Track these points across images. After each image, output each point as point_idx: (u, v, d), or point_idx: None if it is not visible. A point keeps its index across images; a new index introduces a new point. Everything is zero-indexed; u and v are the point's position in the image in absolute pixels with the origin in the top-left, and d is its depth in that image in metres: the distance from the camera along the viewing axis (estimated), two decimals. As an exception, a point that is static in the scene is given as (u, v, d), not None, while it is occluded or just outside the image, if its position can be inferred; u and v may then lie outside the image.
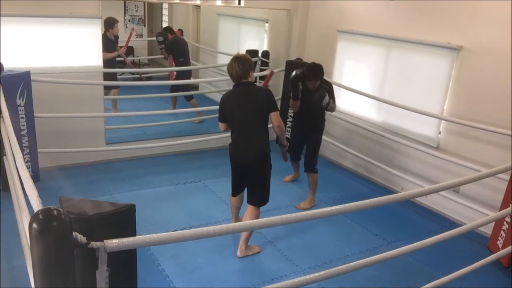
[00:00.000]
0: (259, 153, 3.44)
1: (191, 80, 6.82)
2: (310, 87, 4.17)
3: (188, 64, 7.04)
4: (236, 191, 3.70)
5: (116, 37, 6.56)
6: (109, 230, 1.66)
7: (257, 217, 3.51)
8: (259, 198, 3.54)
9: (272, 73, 4.43)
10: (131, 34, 7.04)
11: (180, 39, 7.00)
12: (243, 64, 3.33)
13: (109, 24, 6.24)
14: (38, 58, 4.50)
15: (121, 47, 6.74)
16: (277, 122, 3.40)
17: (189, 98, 6.77)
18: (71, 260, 1.45)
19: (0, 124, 3.61)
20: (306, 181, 4.68)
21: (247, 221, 2.11)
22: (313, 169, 4.47)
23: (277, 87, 6.03)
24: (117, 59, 6.97)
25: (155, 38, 9.68)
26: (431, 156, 4.55)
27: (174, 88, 6.90)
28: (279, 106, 5.92)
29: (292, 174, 5.07)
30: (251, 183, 3.55)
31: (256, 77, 5.87)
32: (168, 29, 6.96)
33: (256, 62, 6.51)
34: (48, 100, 4.51)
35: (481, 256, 3.13)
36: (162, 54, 7.12)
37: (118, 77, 8.50)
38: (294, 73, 4.26)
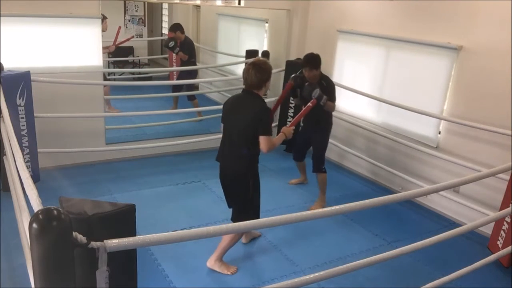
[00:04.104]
0: (234, 174, 3.22)
1: (191, 80, 6.82)
2: (306, 76, 4.14)
3: (195, 63, 7.03)
4: (227, 202, 3.44)
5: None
6: (109, 230, 1.65)
7: (231, 237, 3.22)
8: (235, 217, 3.33)
9: (290, 85, 4.23)
10: (118, 32, 6.99)
11: (189, 40, 6.94)
12: (261, 73, 3.05)
13: None
14: (38, 58, 4.50)
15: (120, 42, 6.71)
16: (264, 149, 3.04)
17: (191, 98, 6.78)
18: (71, 260, 1.45)
19: (0, 124, 3.61)
20: (310, 183, 4.68)
21: (247, 221, 2.10)
22: (320, 169, 4.43)
23: (277, 87, 6.03)
24: (115, 58, 6.96)
25: (155, 39, 9.73)
26: (431, 156, 4.55)
27: (176, 88, 6.91)
28: (278, 107, 5.94)
29: (299, 177, 5.03)
30: (229, 199, 3.36)
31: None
32: (178, 27, 6.71)
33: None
34: (48, 100, 4.52)
35: (481, 256, 3.13)
36: (178, 57, 6.88)
37: (118, 76, 8.56)
38: (291, 80, 4.29)
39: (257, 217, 3.25)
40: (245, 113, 3.10)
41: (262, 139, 3.04)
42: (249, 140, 3.10)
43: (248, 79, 3.08)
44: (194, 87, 7.69)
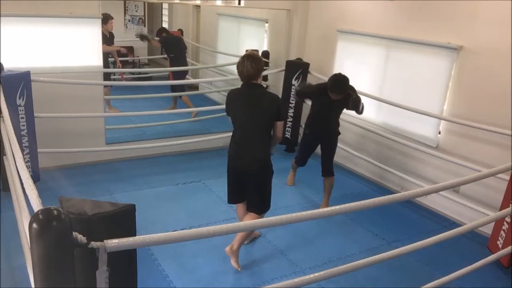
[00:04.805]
0: (260, 159, 3.30)
1: (191, 80, 6.85)
2: (333, 98, 4.07)
3: (181, 60, 7.14)
4: (233, 199, 3.52)
5: (111, 34, 6.60)
6: (109, 230, 1.65)
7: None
8: (259, 205, 3.39)
9: None
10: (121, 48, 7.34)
11: (172, 37, 7.19)
12: (256, 64, 3.15)
13: (103, 19, 6.26)
14: (38, 58, 4.50)
15: (122, 47, 6.90)
16: (279, 133, 3.33)
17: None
18: (71, 260, 1.45)
19: (0, 124, 3.61)
20: (304, 180, 4.65)
21: (247, 221, 2.10)
22: (332, 172, 4.42)
23: (277, 87, 6.04)
24: (110, 59, 7.03)
25: (155, 38, 9.82)
26: (431, 156, 4.55)
27: (174, 87, 6.95)
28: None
29: (291, 173, 5.00)
30: (250, 190, 3.38)
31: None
32: (163, 30, 7.31)
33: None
34: (48, 100, 4.51)
35: (481, 256, 3.13)
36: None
37: (118, 76, 8.56)
38: (297, 89, 4.27)
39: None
40: (264, 102, 3.22)
41: (280, 124, 3.30)
42: (270, 126, 3.29)
43: (244, 70, 3.15)
44: (189, 87, 7.85)
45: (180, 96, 6.89)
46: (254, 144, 3.27)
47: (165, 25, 9.87)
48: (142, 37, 7.14)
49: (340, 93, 4.04)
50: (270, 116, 3.25)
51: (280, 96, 5.87)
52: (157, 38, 7.05)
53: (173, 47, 7.04)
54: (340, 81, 4.05)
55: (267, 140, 3.32)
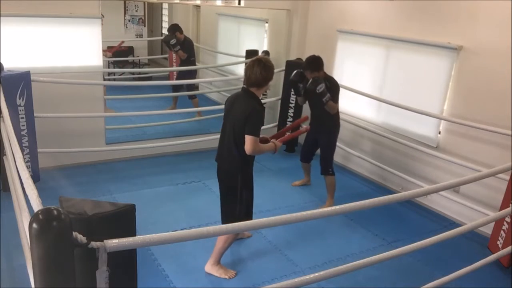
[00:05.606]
0: (226, 170, 3.19)
1: (191, 80, 6.83)
2: (308, 77, 4.11)
3: (195, 63, 7.08)
4: None
5: None
6: (109, 230, 1.66)
7: (224, 239, 3.20)
8: (224, 219, 3.29)
9: (306, 117, 3.93)
10: (119, 45, 7.14)
11: (189, 39, 7.04)
12: (266, 71, 2.94)
13: None
14: (38, 58, 4.50)
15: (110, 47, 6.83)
16: (248, 149, 2.94)
17: (191, 96, 6.81)
18: (71, 260, 1.45)
19: (0, 124, 3.61)
20: (312, 184, 4.62)
21: (247, 221, 2.10)
22: (327, 171, 4.40)
23: (277, 87, 6.04)
24: (115, 58, 7.00)
25: (155, 39, 9.75)
26: (431, 156, 4.55)
27: (176, 87, 6.92)
28: (278, 107, 5.94)
29: (303, 179, 4.99)
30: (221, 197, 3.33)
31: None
32: (177, 27, 6.75)
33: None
34: (48, 100, 4.51)
35: (481, 256, 3.13)
36: (177, 55, 6.92)
37: (118, 76, 8.57)
38: (292, 75, 4.30)
39: (247, 217, 3.20)
40: (238, 113, 3.01)
41: (247, 138, 2.93)
42: (240, 140, 3.00)
43: (252, 76, 2.96)
44: (194, 86, 7.73)
45: (191, 98, 6.81)
46: (224, 153, 3.16)
47: (165, 25, 9.86)
48: (171, 46, 6.59)
49: (311, 70, 4.09)
50: (238, 128, 2.98)
51: (280, 96, 5.90)
52: (177, 48, 6.61)
53: (193, 49, 6.93)
54: (309, 58, 4.19)
55: (236, 153, 3.06)
